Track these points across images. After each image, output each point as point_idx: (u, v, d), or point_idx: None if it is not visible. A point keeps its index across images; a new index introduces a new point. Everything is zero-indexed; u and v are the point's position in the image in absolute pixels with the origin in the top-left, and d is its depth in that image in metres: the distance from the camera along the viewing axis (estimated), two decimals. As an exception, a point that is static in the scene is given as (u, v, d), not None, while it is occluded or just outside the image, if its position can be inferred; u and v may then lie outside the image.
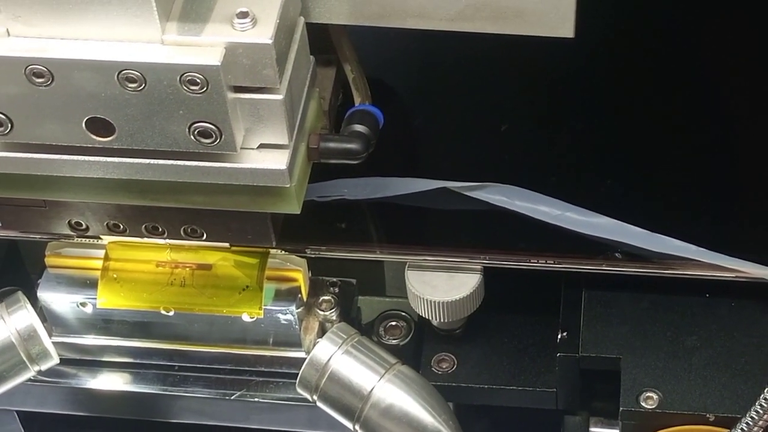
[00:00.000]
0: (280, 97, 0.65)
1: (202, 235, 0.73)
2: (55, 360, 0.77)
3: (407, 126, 0.83)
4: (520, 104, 0.83)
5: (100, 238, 0.76)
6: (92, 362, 0.81)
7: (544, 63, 0.81)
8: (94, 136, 0.66)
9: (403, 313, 0.81)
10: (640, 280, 0.75)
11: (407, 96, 0.84)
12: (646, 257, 0.75)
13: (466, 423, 0.75)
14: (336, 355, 0.74)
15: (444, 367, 0.79)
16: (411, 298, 0.77)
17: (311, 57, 0.70)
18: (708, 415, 0.73)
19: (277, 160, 0.67)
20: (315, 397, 0.74)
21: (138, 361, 0.81)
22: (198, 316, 0.77)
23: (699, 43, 0.84)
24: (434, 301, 0.76)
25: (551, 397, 0.77)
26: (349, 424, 0.74)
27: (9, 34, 0.63)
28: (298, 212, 0.70)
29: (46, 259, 0.77)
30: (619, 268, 0.75)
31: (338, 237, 0.78)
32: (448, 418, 0.73)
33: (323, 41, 0.73)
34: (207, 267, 0.76)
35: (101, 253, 0.77)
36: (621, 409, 0.73)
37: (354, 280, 0.81)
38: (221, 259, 0.76)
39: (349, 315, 0.80)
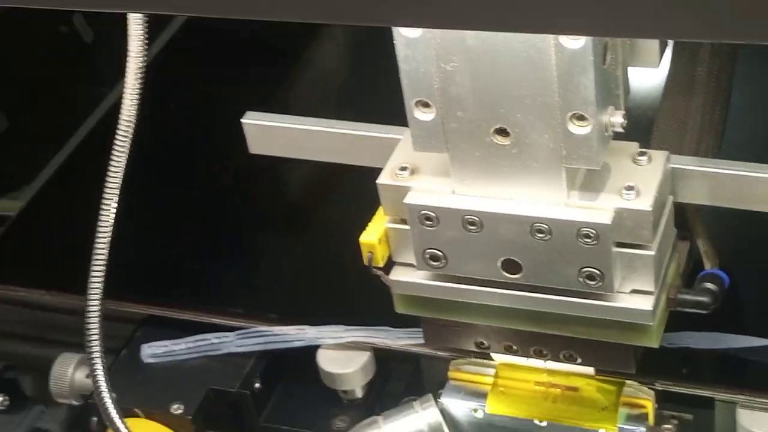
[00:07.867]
0: (652, 253, 0.81)
1: (577, 359, 0.89)
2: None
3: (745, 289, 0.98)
4: None
5: (492, 359, 0.96)
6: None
7: None
8: (506, 273, 0.84)
9: (729, 451, 0.95)
10: None
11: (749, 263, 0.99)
12: None
13: None
14: None
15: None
16: (739, 434, 0.92)
17: (674, 229, 0.87)
18: None
19: (645, 303, 0.83)
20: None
21: (510, 463, 0.97)
22: (564, 428, 0.93)
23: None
24: (762, 438, 0.90)
25: None
26: None
27: (453, 192, 0.83)
28: (657, 347, 0.86)
29: (449, 373, 0.96)
30: None
31: (681, 376, 0.94)
32: None
33: (680, 220, 0.89)
34: (574, 389, 0.93)
35: (492, 371, 0.95)
36: None
37: (691, 416, 0.95)
38: (586, 383, 0.93)
39: (682, 447, 0.94)
